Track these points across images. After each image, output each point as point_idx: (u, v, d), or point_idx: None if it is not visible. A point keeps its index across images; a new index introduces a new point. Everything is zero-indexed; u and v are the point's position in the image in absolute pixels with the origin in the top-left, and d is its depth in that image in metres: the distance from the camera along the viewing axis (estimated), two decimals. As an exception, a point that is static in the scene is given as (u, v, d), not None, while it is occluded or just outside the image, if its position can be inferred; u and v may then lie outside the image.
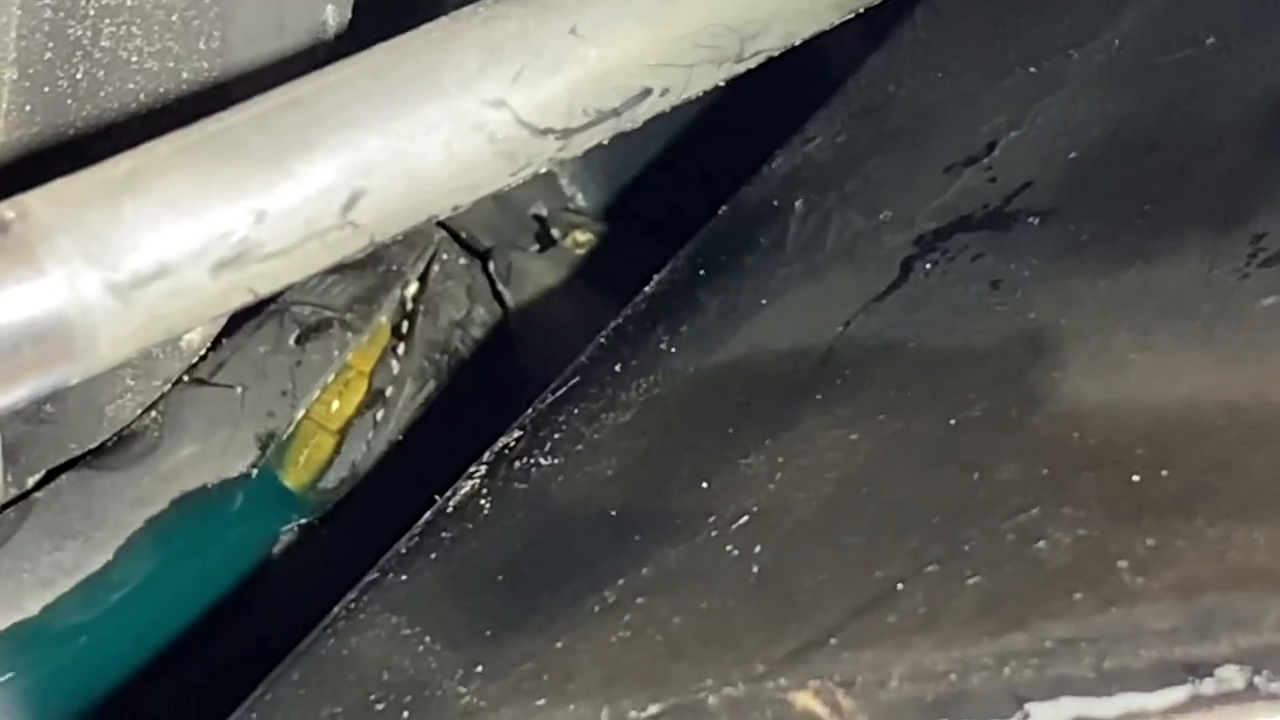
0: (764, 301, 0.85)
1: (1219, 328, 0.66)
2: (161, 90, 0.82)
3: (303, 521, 1.09)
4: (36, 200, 0.65)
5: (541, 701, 0.68)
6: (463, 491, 0.86)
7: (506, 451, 0.86)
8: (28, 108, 0.78)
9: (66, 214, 0.64)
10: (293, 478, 1.09)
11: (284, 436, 1.08)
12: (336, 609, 0.84)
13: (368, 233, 0.68)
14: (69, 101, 0.80)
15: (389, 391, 1.13)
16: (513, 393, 1.13)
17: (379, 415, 1.13)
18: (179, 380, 1.02)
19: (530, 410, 0.88)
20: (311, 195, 0.66)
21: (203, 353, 0.99)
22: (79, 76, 0.79)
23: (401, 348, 1.14)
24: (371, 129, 0.67)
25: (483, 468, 0.86)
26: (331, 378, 1.10)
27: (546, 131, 0.70)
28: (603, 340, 0.90)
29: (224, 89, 0.83)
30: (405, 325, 1.14)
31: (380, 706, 0.75)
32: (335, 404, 1.10)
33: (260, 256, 0.66)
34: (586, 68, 0.71)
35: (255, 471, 1.06)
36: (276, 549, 1.09)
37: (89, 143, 0.80)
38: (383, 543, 0.87)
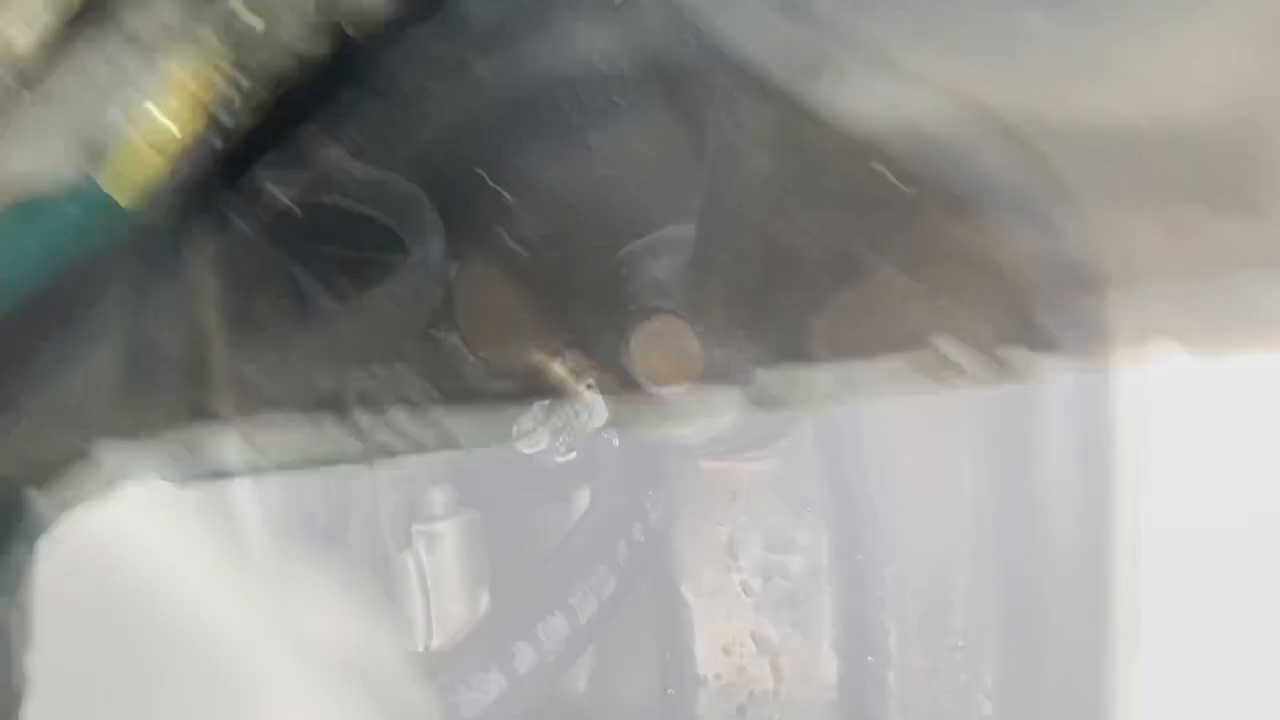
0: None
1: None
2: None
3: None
4: None
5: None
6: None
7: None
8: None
9: None
10: (119, 190, 1.08)
11: (112, 149, 1.07)
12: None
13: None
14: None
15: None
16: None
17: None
18: (4, 87, 1.01)
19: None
20: None
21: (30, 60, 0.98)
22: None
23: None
24: None
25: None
26: (165, 94, 1.09)
27: None
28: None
29: None
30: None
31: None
32: (167, 123, 1.10)
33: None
34: None
35: (81, 182, 1.06)
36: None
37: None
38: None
